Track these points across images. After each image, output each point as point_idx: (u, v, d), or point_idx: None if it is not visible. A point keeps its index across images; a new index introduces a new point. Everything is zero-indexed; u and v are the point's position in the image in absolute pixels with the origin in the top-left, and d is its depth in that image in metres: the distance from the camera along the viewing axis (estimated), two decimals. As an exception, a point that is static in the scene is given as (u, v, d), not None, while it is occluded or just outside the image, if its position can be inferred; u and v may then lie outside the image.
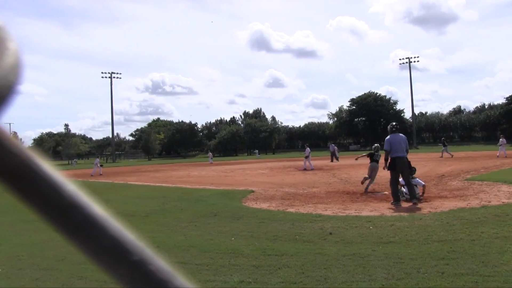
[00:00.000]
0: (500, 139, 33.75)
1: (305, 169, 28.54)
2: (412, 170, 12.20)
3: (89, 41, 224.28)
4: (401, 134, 11.84)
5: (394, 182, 11.32)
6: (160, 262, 0.43)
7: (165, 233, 8.75)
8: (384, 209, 10.48)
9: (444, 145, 39.28)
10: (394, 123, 12.21)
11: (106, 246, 0.41)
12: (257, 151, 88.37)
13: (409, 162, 11.83)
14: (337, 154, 40.53)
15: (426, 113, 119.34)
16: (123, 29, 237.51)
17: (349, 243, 7.09)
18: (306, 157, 29.75)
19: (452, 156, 36.24)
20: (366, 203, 11.53)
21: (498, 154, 32.89)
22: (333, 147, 41.10)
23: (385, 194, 13.09)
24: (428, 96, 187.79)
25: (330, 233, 7.83)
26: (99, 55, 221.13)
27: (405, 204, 10.98)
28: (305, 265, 5.90)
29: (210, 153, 59.00)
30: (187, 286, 0.43)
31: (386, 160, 11.84)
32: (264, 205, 11.93)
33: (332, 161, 38.51)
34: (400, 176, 11.56)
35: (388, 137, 11.68)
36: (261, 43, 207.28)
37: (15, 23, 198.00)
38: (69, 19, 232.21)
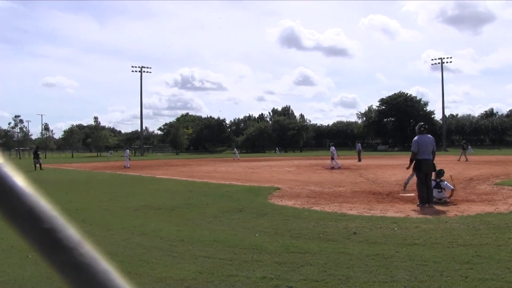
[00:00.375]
0: None
1: (332, 168, 28.49)
2: (441, 172, 12.03)
3: (121, 35, 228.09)
4: (429, 135, 11.57)
5: (420, 184, 11.17)
6: (70, 231, 0.48)
7: (190, 227, 8.86)
8: (409, 210, 10.38)
9: (464, 148, 38.78)
10: (422, 123, 11.97)
11: (21, 213, 0.46)
12: (277, 148, 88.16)
13: (433, 164, 11.58)
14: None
15: (457, 115, 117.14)
16: (154, 24, 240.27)
17: (372, 243, 7.06)
18: (332, 156, 29.71)
19: (467, 160, 35.68)
20: (391, 204, 11.45)
21: None
22: (359, 146, 40.83)
23: (412, 195, 12.95)
24: (460, 97, 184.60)
25: (354, 233, 7.82)
26: (130, 49, 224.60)
27: (431, 207, 10.85)
28: (327, 264, 5.92)
29: (236, 149, 59.51)
30: (93, 254, 0.48)
31: (411, 161, 11.55)
32: (289, 203, 11.95)
33: (359, 160, 38.26)
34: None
35: (415, 138, 11.44)
36: (291, 40, 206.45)
37: (50, 17, 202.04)
38: (102, 13, 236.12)
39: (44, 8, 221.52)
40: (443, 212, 10.02)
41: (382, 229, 8.15)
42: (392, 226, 8.37)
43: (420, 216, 9.61)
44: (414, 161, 11.42)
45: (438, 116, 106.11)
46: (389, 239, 7.30)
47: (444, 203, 11.24)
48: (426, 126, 11.80)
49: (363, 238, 7.41)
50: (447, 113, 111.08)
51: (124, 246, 7.27)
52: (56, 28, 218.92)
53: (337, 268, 5.70)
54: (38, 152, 36.99)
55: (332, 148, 30.38)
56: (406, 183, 14.27)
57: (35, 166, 34.66)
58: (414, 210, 10.40)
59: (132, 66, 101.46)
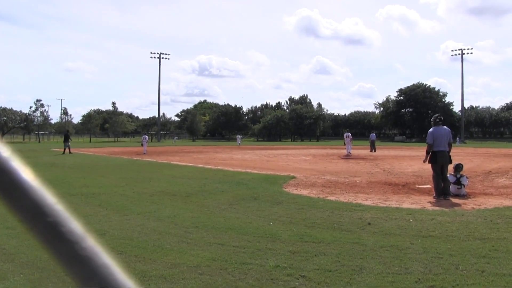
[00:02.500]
0: None
1: (347, 155, 29.37)
2: (459, 166, 11.86)
3: (140, 21, 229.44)
4: (445, 127, 11.45)
5: (436, 176, 11.06)
6: (73, 225, 0.49)
7: (205, 213, 8.90)
8: (425, 202, 10.29)
9: None
10: (437, 115, 11.85)
11: (26, 206, 0.47)
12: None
13: (449, 157, 11.40)
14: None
15: (477, 107, 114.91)
16: (174, 10, 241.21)
17: (387, 234, 7.02)
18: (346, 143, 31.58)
19: None
20: (407, 195, 11.36)
21: None
22: (373, 136, 40.45)
23: (428, 187, 12.83)
24: (479, 89, 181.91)
25: (369, 224, 7.78)
26: (149, 35, 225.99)
27: (447, 200, 10.74)
28: (341, 254, 5.90)
29: (239, 136, 59.96)
30: (96, 248, 0.49)
31: (427, 153, 11.46)
32: (305, 192, 11.94)
33: (371, 151, 37.95)
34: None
35: (431, 129, 11.36)
36: (309, 29, 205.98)
37: (71, 2, 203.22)
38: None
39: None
40: (460, 205, 9.91)
41: (397, 220, 8.09)
42: (408, 217, 8.31)
43: (436, 208, 9.51)
44: (430, 153, 11.35)
45: (457, 108, 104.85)
46: (404, 231, 7.25)
47: (463, 196, 11.08)
48: (442, 118, 11.67)
49: (378, 229, 7.37)
50: (466, 105, 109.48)
51: (139, 231, 7.33)
52: (77, 14, 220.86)
53: (350, 259, 5.68)
54: (69, 136, 37.60)
55: (348, 134, 32.28)
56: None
57: (64, 150, 35.28)
58: (430, 202, 10.30)
59: (151, 52, 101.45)
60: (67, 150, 35.42)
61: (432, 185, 11.45)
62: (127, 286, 0.49)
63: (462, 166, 12.09)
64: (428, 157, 11.42)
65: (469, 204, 9.98)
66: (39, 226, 0.47)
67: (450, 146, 11.32)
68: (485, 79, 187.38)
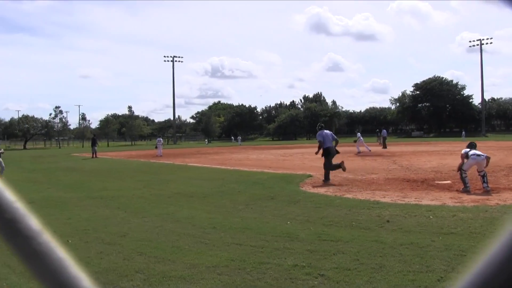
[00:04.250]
0: None
1: (359, 152, 30.10)
2: (472, 144, 11.74)
3: (152, 25, 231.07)
4: (326, 130, 15.16)
5: (328, 163, 14.44)
6: (30, 222, 0.50)
7: (222, 214, 8.90)
8: (446, 198, 10.12)
9: (378, 136, 43.76)
10: (319, 123, 16.28)
11: None
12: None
13: (336, 150, 15.06)
14: (380, 141, 41.61)
15: (499, 98, 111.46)
16: (185, 14, 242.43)
17: (407, 232, 6.93)
18: (355, 141, 32.21)
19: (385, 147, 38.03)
20: (427, 192, 11.20)
21: None
22: (385, 132, 40.19)
23: (448, 183, 12.66)
24: (499, 80, 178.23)
25: (388, 221, 7.69)
26: (162, 39, 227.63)
27: (470, 195, 10.57)
28: (360, 252, 5.84)
29: (239, 136, 60.88)
30: (50, 243, 0.50)
31: (319, 148, 14.81)
32: (322, 190, 11.87)
33: (384, 147, 37.64)
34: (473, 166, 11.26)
35: (318, 132, 14.95)
36: (319, 27, 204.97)
37: (85, 10, 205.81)
38: (134, 4, 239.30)
39: (80, 3, 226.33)
40: (483, 201, 9.70)
41: (416, 217, 7.99)
42: (427, 214, 8.19)
43: (458, 204, 9.34)
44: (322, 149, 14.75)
45: (477, 101, 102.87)
46: (424, 228, 7.15)
47: (487, 191, 10.83)
48: (323, 125, 15.67)
49: (397, 227, 7.28)
50: (486, 97, 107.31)
51: (157, 233, 7.35)
52: (91, 22, 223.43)
53: (370, 257, 5.62)
54: (96, 141, 38.25)
55: (359, 134, 33.15)
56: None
57: (93, 154, 35.76)
58: (451, 198, 10.13)
59: (164, 56, 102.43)
60: (94, 154, 35.91)
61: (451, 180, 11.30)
62: (81, 280, 0.50)
63: (475, 145, 11.95)
64: (321, 152, 14.74)
65: (493, 200, 9.78)
66: None
67: (336, 142, 15.39)
68: (505, 70, 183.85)
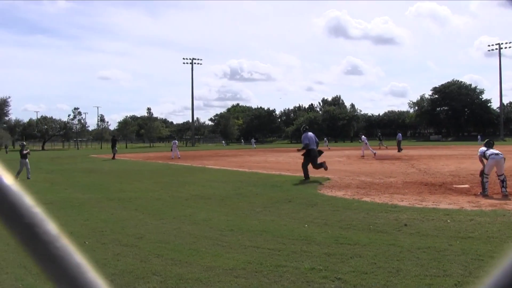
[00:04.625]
0: None
1: (362, 156, 30.35)
2: (490, 143, 11.70)
3: (172, 27, 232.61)
4: (310, 133, 16.76)
5: (306, 164, 15.93)
6: (48, 226, 0.52)
7: (239, 216, 8.94)
8: (464, 202, 10.04)
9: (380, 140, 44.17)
10: (304, 124, 18.95)
11: (5, 209, 0.51)
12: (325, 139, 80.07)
13: (318, 151, 16.82)
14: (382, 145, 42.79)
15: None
16: (204, 17, 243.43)
17: (424, 235, 6.90)
18: (366, 144, 32.00)
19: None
20: (445, 196, 11.12)
21: None
22: (400, 136, 39.93)
23: (466, 187, 12.54)
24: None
25: (405, 225, 7.66)
26: (181, 41, 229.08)
27: (488, 199, 10.47)
28: (377, 256, 5.83)
29: (253, 139, 61.11)
30: (68, 248, 0.51)
31: (303, 148, 16.42)
32: (339, 193, 11.85)
33: (399, 151, 37.35)
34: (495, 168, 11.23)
35: (304, 134, 16.59)
36: (338, 30, 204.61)
37: (106, 13, 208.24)
38: (155, 7, 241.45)
39: (101, 5, 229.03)
40: (501, 205, 9.61)
41: (434, 221, 7.94)
42: (445, 218, 8.14)
43: (475, 208, 9.26)
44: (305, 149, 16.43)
45: (495, 105, 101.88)
46: (442, 232, 7.10)
47: (505, 196, 10.72)
48: (308, 127, 17.38)
49: (415, 230, 7.24)
50: (505, 101, 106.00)
51: (175, 235, 7.42)
52: (111, 23, 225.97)
53: (387, 261, 5.61)
54: (116, 141, 38.79)
55: (364, 137, 33.04)
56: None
57: (113, 155, 36.43)
58: (469, 202, 10.05)
59: (183, 58, 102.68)
60: (115, 155, 36.34)
61: (471, 184, 11.19)
62: (98, 285, 0.52)
63: (493, 143, 11.89)
64: (303, 153, 16.39)
65: (510, 204, 9.69)
66: (16, 227, 0.51)
67: (317, 144, 16.94)
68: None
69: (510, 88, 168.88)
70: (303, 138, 16.55)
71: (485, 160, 11.32)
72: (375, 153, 30.72)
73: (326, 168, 16.28)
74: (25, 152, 19.01)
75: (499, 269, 0.49)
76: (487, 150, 11.37)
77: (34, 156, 44.14)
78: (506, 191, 10.88)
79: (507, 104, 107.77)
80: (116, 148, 37.46)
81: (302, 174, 16.42)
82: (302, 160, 16.51)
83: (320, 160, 16.67)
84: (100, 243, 7.00)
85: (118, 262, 5.91)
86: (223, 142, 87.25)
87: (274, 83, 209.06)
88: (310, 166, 16.20)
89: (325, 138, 48.28)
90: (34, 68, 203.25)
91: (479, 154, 11.63)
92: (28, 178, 17.98)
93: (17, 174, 18.07)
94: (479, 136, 64.77)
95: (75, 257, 0.52)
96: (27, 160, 18.70)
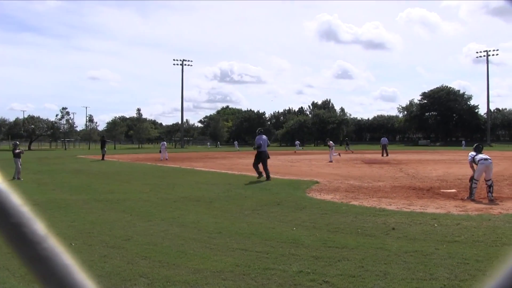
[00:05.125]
0: None
1: (331, 161, 29.91)
2: (479, 147, 11.84)
3: (163, 28, 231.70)
4: (264, 135, 18.24)
5: (257, 163, 17.65)
6: (35, 226, 0.51)
7: (228, 219, 8.94)
8: (451, 207, 10.14)
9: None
10: (260, 128, 19.92)
11: None
12: (298, 143, 78.19)
13: (268, 153, 17.87)
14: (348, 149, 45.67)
15: (504, 109, 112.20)
16: (195, 18, 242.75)
17: (411, 239, 6.95)
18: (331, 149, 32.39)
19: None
20: (432, 200, 11.21)
21: None
22: (385, 140, 40.01)
23: (453, 191, 12.65)
24: (505, 91, 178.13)
25: (393, 228, 7.71)
26: (172, 42, 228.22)
27: (474, 204, 10.57)
28: (365, 259, 5.86)
29: (236, 141, 61.05)
30: (56, 248, 0.51)
31: (256, 149, 17.98)
32: (328, 197, 11.88)
33: (382, 155, 37.55)
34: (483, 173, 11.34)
35: (257, 137, 18.20)
36: (329, 34, 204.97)
37: (96, 12, 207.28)
38: (145, 7, 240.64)
39: (91, 4, 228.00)
40: (486, 210, 9.72)
41: (421, 225, 8.00)
42: (432, 222, 8.21)
43: (462, 213, 9.35)
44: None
45: (482, 111, 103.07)
46: (429, 236, 7.16)
47: (491, 201, 10.84)
48: (263, 130, 19.13)
49: (402, 234, 7.29)
50: (492, 108, 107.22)
51: (163, 237, 7.40)
52: (101, 23, 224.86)
53: (374, 264, 5.64)
54: (105, 142, 38.56)
55: (331, 142, 33.70)
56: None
57: (102, 156, 36.19)
58: (455, 207, 10.14)
59: (174, 59, 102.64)
60: (104, 156, 36.12)
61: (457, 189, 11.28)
62: (86, 286, 0.51)
63: (482, 147, 12.06)
64: (255, 154, 17.89)
65: (496, 209, 9.79)
66: (3, 226, 0.51)
67: (268, 146, 18.38)
68: (511, 81, 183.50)
69: (497, 94, 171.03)
70: (257, 140, 18.20)
71: (475, 165, 11.44)
72: (331, 160, 30.72)
73: (260, 176, 17.25)
74: (17, 151, 18.81)
75: (501, 273, 0.50)
76: (476, 155, 11.49)
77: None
78: (492, 196, 11.02)
79: (494, 110, 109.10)
80: (105, 149, 37.16)
81: (291, 177, 16.43)
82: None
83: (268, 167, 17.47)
84: (87, 245, 6.95)
85: (105, 264, 5.87)
86: (208, 143, 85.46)
87: (265, 85, 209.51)
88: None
89: (346, 139, 48.62)
90: (21, 66, 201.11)
91: (469, 159, 11.76)
92: (18, 178, 17.77)
93: (16, 174, 17.96)
94: (463, 142, 65.51)
95: (63, 258, 0.51)
96: (19, 159, 18.52)
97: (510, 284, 0.49)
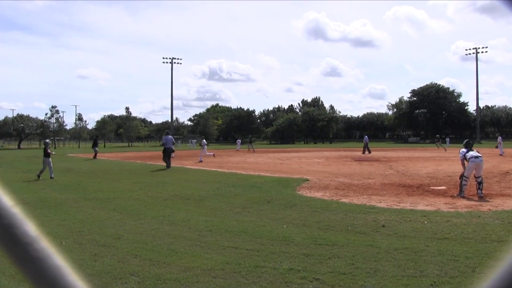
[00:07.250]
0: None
1: (200, 161, 29.42)
2: (469, 143, 11.93)
3: (152, 26, 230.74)
4: (170, 136, 24.45)
5: (165, 157, 23.62)
6: (26, 227, 0.51)
7: (218, 217, 8.92)
8: (440, 204, 10.20)
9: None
10: (167, 129, 26.79)
11: None
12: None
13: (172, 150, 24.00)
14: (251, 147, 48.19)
15: (493, 106, 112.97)
16: (184, 16, 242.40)
17: (402, 236, 6.98)
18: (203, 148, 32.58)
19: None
20: (422, 197, 11.27)
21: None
22: (366, 139, 40.17)
23: (443, 188, 12.72)
24: (493, 88, 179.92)
25: (383, 226, 7.73)
26: (161, 40, 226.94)
27: (463, 201, 10.64)
28: (355, 257, 5.88)
29: (239, 140, 60.01)
30: (47, 250, 0.51)
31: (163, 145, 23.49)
32: (318, 194, 11.90)
33: (364, 153, 37.70)
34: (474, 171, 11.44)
35: (163, 137, 24.78)
36: (317, 32, 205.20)
37: (85, 10, 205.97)
38: (133, 5, 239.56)
39: (80, 2, 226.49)
40: (476, 207, 9.78)
41: (411, 222, 8.03)
42: (422, 219, 8.25)
43: (452, 210, 9.41)
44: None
45: (472, 108, 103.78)
46: (419, 233, 7.20)
47: (481, 198, 10.92)
48: (168, 131, 26.23)
49: (392, 231, 7.32)
50: (481, 105, 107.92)
51: (153, 235, 7.37)
52: (90, 21, 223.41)
53: (365, 261, 5.65)
54: (97, 141, 38.45)
55: (203, 141, 33.87)
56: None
57: (95, 155, 35.98)
58: (445, 204, 10.20)
59: (163, 58, 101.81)
60: (96, 155, 35.93)
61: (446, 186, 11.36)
62: (77, 287, 0.51)
63: (472, 144, 12.15)
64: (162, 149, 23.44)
65: (485, 206, 9.86)
66: None
67: (173, 144, 24.75)
68: (499, 78, 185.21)
69: (486, 91, 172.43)
70: (163, 139, 24.67)
71: (466, 162, 11.52)
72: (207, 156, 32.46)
73: (167, 168, 22.78)
74: (48, 151, 18.93)
75: (499, 271, 0.49)
76: (467, 151, 11.57)
77: (10, 155, 43.45)
78: (482, 193, 11.09)
79: (483, 107, 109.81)
80: (97, 148, 36.95)
81: (281, 175, 16.44)
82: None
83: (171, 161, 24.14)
84: (77, 244, 6.91)
85: (95, 262, 5.84)
86: (193, 141, 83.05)
87: (254, 84, 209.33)
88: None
89: (437, 136, 49.60)
90: (10, 65, 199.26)
91: (460, 156, 11.83)
92: (51, 177, 17.77)
93: (39, 173, 18.07)
94: (447, 139, 65.93)
95: (55, 259, 0.51)
96: (50, 159, 18.54)
97: (508, 284, 0.48)
